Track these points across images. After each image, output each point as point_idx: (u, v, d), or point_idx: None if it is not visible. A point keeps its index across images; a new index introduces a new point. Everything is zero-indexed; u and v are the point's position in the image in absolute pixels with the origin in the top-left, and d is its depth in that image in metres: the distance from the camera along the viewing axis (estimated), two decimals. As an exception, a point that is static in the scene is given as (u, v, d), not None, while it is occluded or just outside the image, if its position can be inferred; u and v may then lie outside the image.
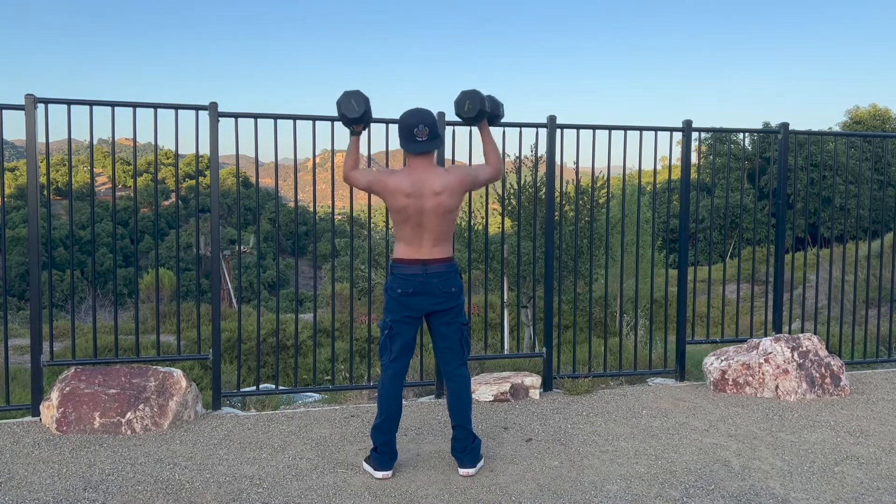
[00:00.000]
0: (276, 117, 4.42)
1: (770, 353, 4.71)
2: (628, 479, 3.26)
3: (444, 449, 3.58)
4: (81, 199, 30.55)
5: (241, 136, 4.45)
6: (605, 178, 14.67)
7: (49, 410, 3.93)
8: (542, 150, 5.51)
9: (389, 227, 3.44)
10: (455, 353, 3.31)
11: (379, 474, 3.24)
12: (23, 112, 4.04)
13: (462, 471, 3.27)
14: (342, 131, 3.97)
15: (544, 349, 4.82)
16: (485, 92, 3.35)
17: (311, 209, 4.79)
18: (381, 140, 4.43)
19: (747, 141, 36.22)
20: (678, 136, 5.11)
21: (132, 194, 5.01)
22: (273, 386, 5.23)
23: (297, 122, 4.49)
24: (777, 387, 4.63)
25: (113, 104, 4.17)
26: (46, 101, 4.08)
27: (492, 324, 13.73)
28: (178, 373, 4.15)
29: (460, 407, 3.30)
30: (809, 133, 5.52)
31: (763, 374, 4.65)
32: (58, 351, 8.72)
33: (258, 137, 4.42)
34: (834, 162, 5.89)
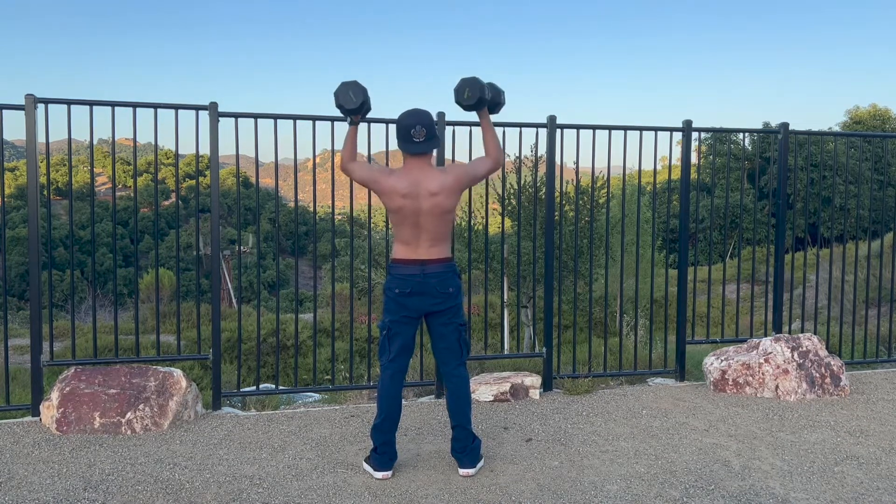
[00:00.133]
0: (276, 117, 4.43)
1: (770, 353, 4.71)
2: (628, 479, 3.26)
3: (444, 449, 3.58)
4: (81, 199, 30.55)
5: (241, 136, 4.45)
6: (605, 178, 14.67)
7: (49, 410, 3.93)
8: (542, 150, 5.51)
9: (389, 227, 3.44)
10: (453, 353, 3.32)
11: (379, 474, 3.24)
12: (23, 112, 4.04)
13: (462, 471, 3.27)
14: (342, 131, 3.97)
15: (544, 349, 4.82)
16: (485, 80, 3.32)
17: (311, 209, 4.79)
18: (382, 140, 4.44)
19: (747, 141, 36.22)
20: (678, 136, 5.11)
21: (132, 194, 5.01)
22: (273, 386, 5.23)
23: (297, 122, 4.49)
24: (777, 387, 4.63)
25: (113, 104, 4.17)
26: (46, 101, 4.08)
27: (492, 324, 13.73)
28: (178, 373, 4.15)
29: (459, 407, 3.30)
30: (809, 133, 5.52)
31: (763, 374, 4.66)
32: (58, 351, 8.73)
33: (258, 137, 4.42)
34: (834, 162, 5.89)
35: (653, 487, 3.16)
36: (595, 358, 5.40)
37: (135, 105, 4.20)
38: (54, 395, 3.96)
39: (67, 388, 3.97)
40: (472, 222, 12.52)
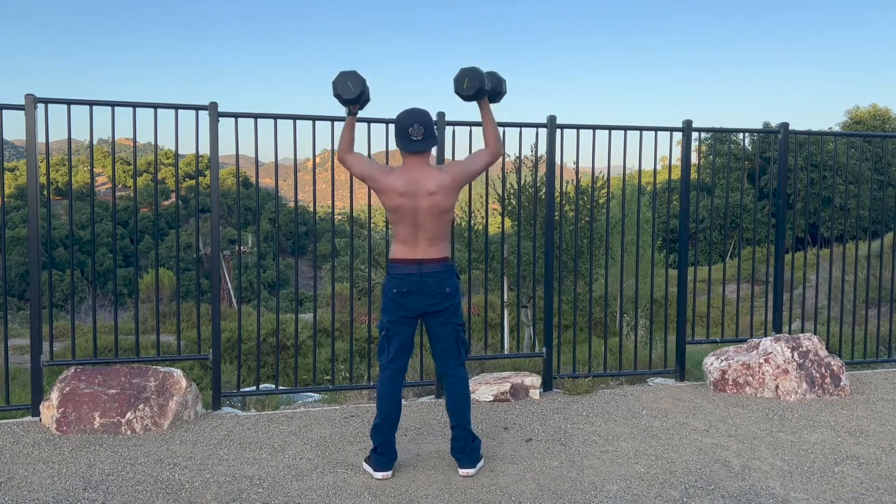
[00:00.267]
0: (276, 117, 4.42)
1: (770, 353, 4.71)
2: (628, 479, 3.26)
3: (444, 449, 3.58)
4: (81, 199, 30.56)
5: (241, 136, 4.45)
6: (605, 178, 14.67)
7: (49, 410, 3.93)
8: (542, 150, 5.50)
9: (389, 227, 3.44)
10: (451, 353, 3.31)
11: (379, 475, 3.24)
12: (23, 112, 4.04)
13: (462, 471, 3.27)
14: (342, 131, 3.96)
15: (544, 349, 4.82)
16: (486, 69, 3.24)
17: (311, 209, 4.79)
18: (381, 140, 4.44)
19: (747, 141, 36.22)
20: (678, 136, 5.11)
21: (132, 194, 5.01)
22: (273, 386, 5.22)
23: (297, 122, 4.49)
24: (777, 387, 4.63)
25: (113, 104, 4.17)
26: (46, 101, 4.08)
27: (492, 324, 13.73)
28: (178, 373, 4.15)
29: (459, 407, 3.30)
30: (809, 133, 5.52)
31: (763, 374, 4.65)
32: (58, 351, 8.72)
33: (258, 137, 4.42)
34: (834, 162, 5.89)
35: (653, 487, 3.16)
36: (595, 358, 5.40)
37: (135, 105, 4.20)
38: (54, 395, 3.96)
39: (67, 388, 3.97)
40: (472, 222, 12.51)
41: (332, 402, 5.06)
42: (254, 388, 4.81)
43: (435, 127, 3.27)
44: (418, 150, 3.17)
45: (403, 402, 4.19)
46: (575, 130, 4.85)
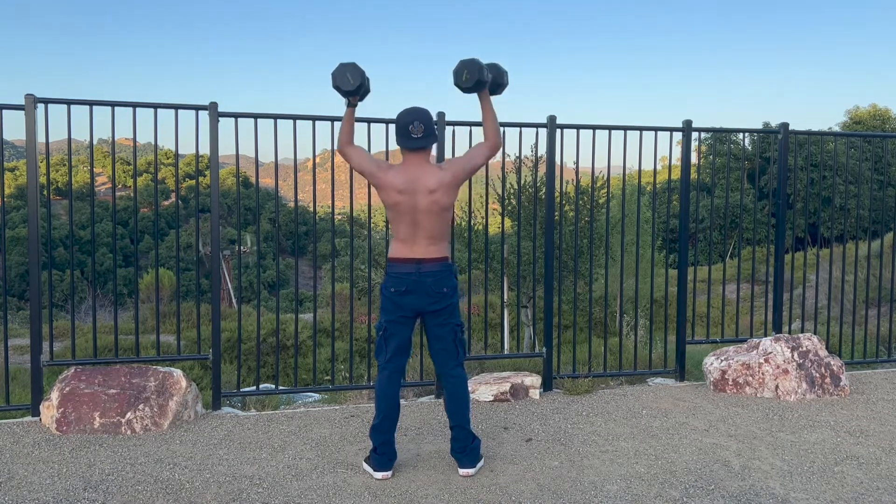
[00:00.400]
0: (276, 117, 4.43)
1: (770, 353, 4.71)
2: (628, 479, 3.26)
3: (444, 449, 3.58)
4: (81, 199, 30.55)
5: (241, 136, 4.45)
6: (605, 178, 14.67)
7: (49, 410, 3.93)
8: (542, 150, 5.50)
9: (389, 227, 3.44)
10: (450, 354, 3.31)
11: (378, 475, 3.24)
12: (23, 112, 4.04)
13: (462, 471, 3.27)
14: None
15: (544, 349, 4.82)
16: (486, 60, 3.21)
17: (311, 209, 4.79)
18: (382, 140, 4.44)
19: (747, 141, 36.22)
20: (678, 136, 5.11)
21: (132, 194, 5.01)
22: (273, 386, 5.23)
23: (297, 122, 4.50)
24: (777, 387, 4.63)
25: (113, 104, 4.17)
26: (46, 101, 4.08)
27: (492, 324, 13.73)
28: (178, 373, 4.15)
29: (458, 408, 3.30)
30: (809, 133, 5.52)
31: (763, 374, 4.65)
32: (58, 351, 8.72)
33: (258, 137, 4.42)
34: (834, 162, 5.89)
35: (653, 487, 3.16)
36: (595, 358, 5.40)
37: (135, 105, 4.20)
38: (54, 395, 3.96)
39: (67, 388, 3.97)
40: (472, 222, 12.51)
41: (332, 402, 5.06)
42: (254, 388, 4.80)
43: (435, 126, 3.27)
44: (418, 146, 3.18)
45: (403, 402, 4.19)
46: (575, 130, 4.85)
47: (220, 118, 4.26)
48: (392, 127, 4.35)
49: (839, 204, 16.78)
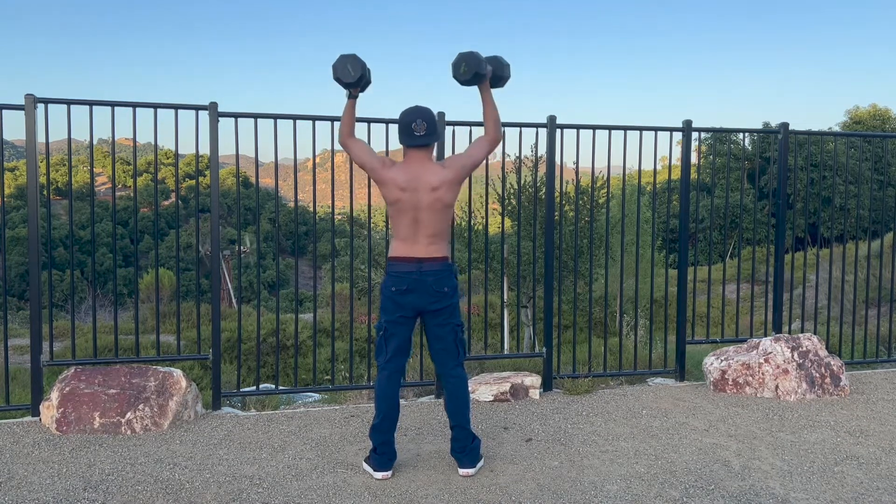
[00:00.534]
0: (276, 117, 4.43)
1: (770, 353, 4.71)
2: (628, 479, 3.26)
3: (444, 449, 3.58)
4: (81, 199, 30.53)
5: (241, 136, 4.46)
6: (605, 178, 14.67)
7: (49, 410, 3.93)
8: (542, 150, 5.51)
9: (389, 226, 3.44)
10: (450, 354, 3.31)
11: (378, 475, 3.24)
12: (23, 112, 4.04)
13: (462, 471, 3.27)
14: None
15: (544, 349, 4.82)
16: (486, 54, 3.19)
17: (311, 209, 4.79)
18: (382, 140, 4.44)
19: (747, 141, 36.22)
20: (678, 136, 5.11)
21: (132, 194, 5.01)
22: (273, 386, 5.23)
23: (297, 122, 4.50)
24: (777, 387, 4.63)
25: (113, 104, 4.17)
26: (46, 101, 4.08)
27: (492, 324, 13.72)
28: (178, 373, 4.15)
29: (458, 408, 3.30)
30: (809, 133, 5.52)
31: (763, 374, 4.65)
32: (58, 351, 8.72)
33: (258, 137, 4.42)
34: (834, 162, 5.89)
35: (653, 487, 3.16)
36: (595, 358, 5.39)
37: (135, 105, 4.20)
38: (54, 395, 3.96)
39: (67, 388, 3.97)
40: (472, 222, 12.51)
41: (332, 402, 5.06)
42: (254, 388, 4.81)
43: (437, 125, 3.27)
44: (421, 143, 3.18)
45: (403, 402, 4.18)
46: (575, 130, 4.85)
47: (219, 118, 4.27)
48: (392, 127, 4.37)
49: (839, 204, 16.78)
